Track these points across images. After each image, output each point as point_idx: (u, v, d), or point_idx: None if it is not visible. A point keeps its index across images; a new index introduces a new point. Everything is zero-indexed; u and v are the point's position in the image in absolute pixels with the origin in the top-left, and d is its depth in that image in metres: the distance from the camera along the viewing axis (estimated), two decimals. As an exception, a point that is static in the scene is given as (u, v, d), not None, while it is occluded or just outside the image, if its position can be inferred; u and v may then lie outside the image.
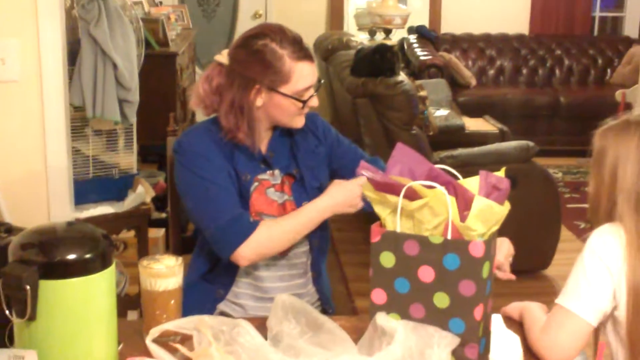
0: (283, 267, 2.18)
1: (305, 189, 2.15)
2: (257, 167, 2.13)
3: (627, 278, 1.69)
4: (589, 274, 1.71)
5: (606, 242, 1.72)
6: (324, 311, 2.19)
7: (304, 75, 2.04)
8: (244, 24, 7.25)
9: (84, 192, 3.23)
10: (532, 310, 1.84)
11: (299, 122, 2.12)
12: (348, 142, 2.29)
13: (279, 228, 2.05)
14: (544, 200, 4.16)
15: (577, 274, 1.73)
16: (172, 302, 1.73)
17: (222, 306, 2.20)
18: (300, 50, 2.04)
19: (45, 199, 2.81)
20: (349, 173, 2.14)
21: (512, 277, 1.95)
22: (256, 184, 2.12)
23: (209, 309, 2.16)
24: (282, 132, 2.17)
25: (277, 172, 2.15)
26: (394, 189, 1.63)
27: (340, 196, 2.07)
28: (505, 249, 1.96)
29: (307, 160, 2.18)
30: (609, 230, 1.74)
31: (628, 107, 5.33)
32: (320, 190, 2.13)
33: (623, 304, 1.71)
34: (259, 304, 2.18)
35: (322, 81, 2.12)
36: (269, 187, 2.13)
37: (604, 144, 1.78)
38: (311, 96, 2.08)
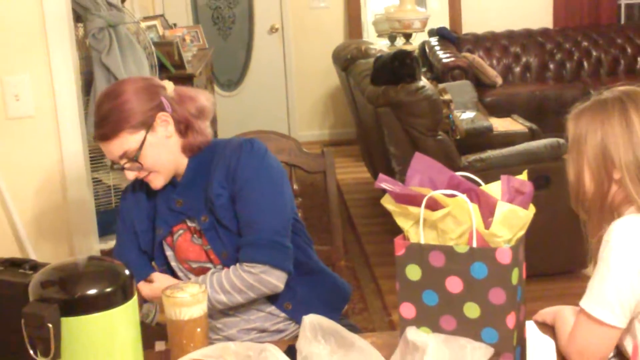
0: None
1: (218, 235, 2.08)
2: (177, 217, 2.13)
3: None
4: (615, 276, 1.63)
5: (632, 236, 1.64)
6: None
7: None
8: (261, 39, 7.30)
9: (107, 222, 3.26)
10: (563, 315, 1.81)
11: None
12: (254, 201, 2.06)
13: None
14: (579, 198, 4.11)
15: (602, 276, 1.65)
16: (199, 330, 1.74)
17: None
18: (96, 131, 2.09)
19: (69, 232, 2.84)
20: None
21: None
22: (181, 231, 2.13)
23: None
24: (194, 174, 2.11)
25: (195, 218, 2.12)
26: (414, 200, 1.63)
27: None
28: None
29: (214, 205, 2.07)
30: (633, 222, 1.66)
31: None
32: (238, 235, 2.07)
33: None
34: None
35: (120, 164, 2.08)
36: (194, 232, 2.12)
37: (582, 128, 1.75)
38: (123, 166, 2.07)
